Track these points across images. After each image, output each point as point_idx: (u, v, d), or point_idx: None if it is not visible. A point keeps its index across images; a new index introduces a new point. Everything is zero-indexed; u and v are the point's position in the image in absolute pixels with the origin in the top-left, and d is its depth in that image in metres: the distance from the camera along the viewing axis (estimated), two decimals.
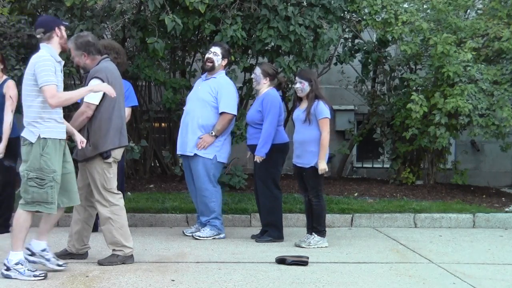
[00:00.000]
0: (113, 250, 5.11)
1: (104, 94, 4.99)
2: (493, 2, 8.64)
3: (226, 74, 6.71)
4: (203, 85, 6.44)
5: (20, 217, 4.65)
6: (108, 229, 5.07)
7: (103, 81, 4.99)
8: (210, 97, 6.32)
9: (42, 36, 4.77)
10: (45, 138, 4.60)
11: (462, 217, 7.47)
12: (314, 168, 5.95)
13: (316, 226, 6.05)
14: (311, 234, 6.07)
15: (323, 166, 5.92)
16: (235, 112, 6.41)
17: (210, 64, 6.38)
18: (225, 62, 6.47)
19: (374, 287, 4.62)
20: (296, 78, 6.13)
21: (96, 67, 5.10)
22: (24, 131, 4.66)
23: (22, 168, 4.63)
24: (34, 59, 4.68)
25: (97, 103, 5.01)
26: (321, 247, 5.98)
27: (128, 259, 5.12)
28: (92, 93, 4.96)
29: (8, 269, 4.59)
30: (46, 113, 4.63)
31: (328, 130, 5.93)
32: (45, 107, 4.62)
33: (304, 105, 6.09)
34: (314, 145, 5.95)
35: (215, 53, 6.38)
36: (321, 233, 6.05)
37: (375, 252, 5.86)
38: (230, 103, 6.34)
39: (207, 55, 6.45)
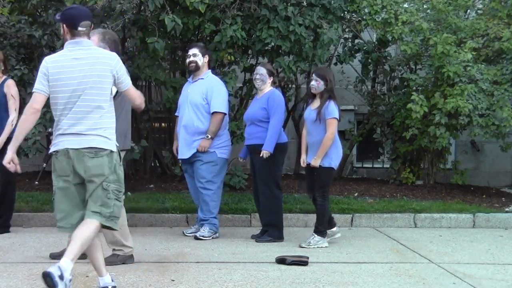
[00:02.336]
0: (113, 249, 5.11)
1: (115, 96, 4.99)
2: (493, 2, 8.65)
3: (213, 73, 6.76)
4: (193, 88, 6.47)
5: (93, 229, 4.01)
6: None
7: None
8: (202, 100, 6.34)
9: (86, 30, 4.12)
10: (117, 146, 4.18)
11: (462, 217, 7.47)
12: (326, 168, 5.99)
13: (318, 226, 6.07)
14: (331, 227, 6.16)
15: (315, 163, 5.96)
16: (225, 111, 6.43)
17: (194, 65, 6.45)
18: (206, 59, 6.50)
19: (374, 287, 4.62)
20: (313, 75, 6.15)
21: None
22: (97, 140, 4.03)
23: (99, 180, 4.01)
24: (112, 57, 4.14)
25: None
26: (321, 247, 5.98)
27: (128, 259, 5.12)
28: None
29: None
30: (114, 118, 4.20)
31: (333, 131, 5.93)
32: (113, 112, 4.19)
33: (316, 104, 6.11)
34: (329, 147, 5.99)
35: (195, 55, 6.45)
36: (322, 233, 6.06)
37: (375, 252, 5.86)
38: (220, 103, 6.37)
39: (188, 60, 6.51)
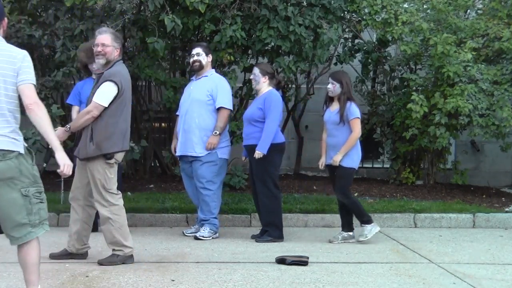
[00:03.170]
0: (113, 250, 5.11)
1: (115, 97, 5.00)
2: (493, 2, 8.65)
3: (217, 72, 6.77)
4: (196, 85, 6.47)
5: (35, 248, 3.79)
6: (107, 229, 5.07)
7: (117, 85, 5.01)
8: (206, 97, 6.34)
9: None
10: (25, 146, 3.80)
11: (462, 217, 7.47)
12: (347, 168, 6.11)
13: (361, 219, 6.24)
14: (347, 231, 6.30)
15: (337, 158, 6.11)
16: (231, 108, 6.46)
17: (198, 64, 6.45)
18: (210, 58, 6.54)
19: (374, 287, 4.62)
20: (329, 79, 6.26)
21: (110, 70, 5.09)
22: (3, 142, 3.64)
23: (11, 188, 3.68)
24: (20, 51, 3.76)
25: (106, 105, 5.00)
26: (376, 232, 6.20)
27: (128, 259, 5.12)
28: (103, 94, 4.98)
29: None
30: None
31: (358, 131, 6.10)
32: (18, 110, 3.77)
33: (335, 106, 6.22)
34: (350, 148, 6.12)
35: (198, 54, 6.45)
36: (368, 222, 6.24)
37: (375, 252, 5.86)
38: (227, 99, 6.39)
39: (191, 59, 6.51)
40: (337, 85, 6.15)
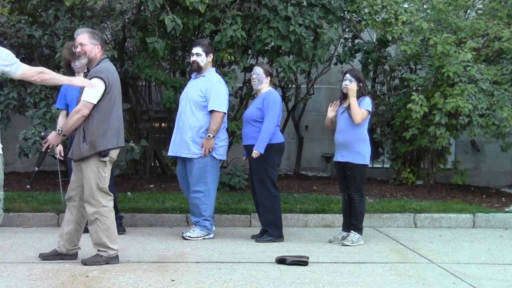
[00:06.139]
0: (98, 250, 5.09)
1: (103, 94, 4.99)
2: (493, 2, 8.65)
3: (217, 71, 6.73)
4: (193, 84, 6.44)
5: None
6: (94, 230, 5.04)
7: (104, 82, 4.98)
8: (199, 97, 6.27)
9: None
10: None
11: (462, 217, 7.47)
12: (359, 166, 6.14)
13: (357, 224, 6.20)
14: (348, 231, 6.23)
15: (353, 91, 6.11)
16: (225, 110, 6.33)
17: (196, 65, 6.40)
18: (210, 58, 6.44)
19: (374, 287, 4.62)
20: (346, 75, 6.23)
21: (97, 67, 5.08)
22: None
23: None
24: None
25: (95, 103, 4.98)
26: (360, 244, 6.10)
27: (112, 260, 5.08)
28: (90, 92, 4.95)
29: None
30: None
31: (360, 119, 6.09)
32: None
33: (347, 102, 6.23)
34: (360, 145, 6.18)
35: (198, 54, 6.37)
36: (360, 230, 6.21)
37: (375, 252, 5.86)
38: (220, 101, 6.28)
39: (191, 58, 6.45)
40: (355, 82, 6.15)
